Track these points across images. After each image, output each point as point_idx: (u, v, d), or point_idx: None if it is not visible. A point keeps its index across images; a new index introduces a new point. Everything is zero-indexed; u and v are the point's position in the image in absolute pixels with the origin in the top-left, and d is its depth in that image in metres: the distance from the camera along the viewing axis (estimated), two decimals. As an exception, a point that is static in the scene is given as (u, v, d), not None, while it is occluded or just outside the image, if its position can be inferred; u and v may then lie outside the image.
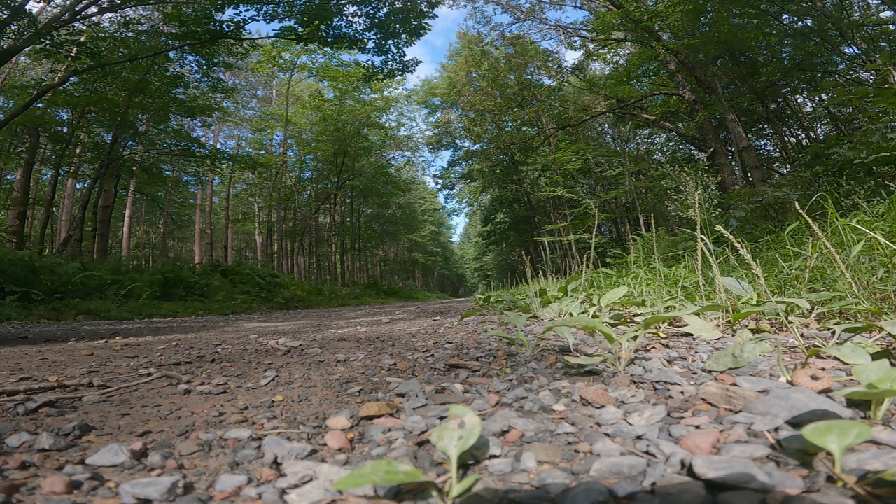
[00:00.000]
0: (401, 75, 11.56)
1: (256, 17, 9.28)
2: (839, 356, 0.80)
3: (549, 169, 20.05)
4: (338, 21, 9.84)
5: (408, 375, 1.04)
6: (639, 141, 20.63)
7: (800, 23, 9.93)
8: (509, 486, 0.46)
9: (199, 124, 16.29)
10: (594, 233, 2.97)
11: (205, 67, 11.37)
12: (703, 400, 0.68)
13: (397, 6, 9.83)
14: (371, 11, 9.74)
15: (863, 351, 0.80)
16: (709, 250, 1.57)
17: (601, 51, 13.16)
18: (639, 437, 0.57)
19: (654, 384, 0.80)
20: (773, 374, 0.82)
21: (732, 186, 8.57)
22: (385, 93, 20.91)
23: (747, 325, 1.36)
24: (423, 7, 9.93)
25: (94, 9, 8.70)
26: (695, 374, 0.87)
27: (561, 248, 19.39)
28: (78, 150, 12.16)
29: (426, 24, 10.16)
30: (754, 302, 1.38)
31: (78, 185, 15.41)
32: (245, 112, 22.08)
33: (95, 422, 0.75)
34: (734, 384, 0.72)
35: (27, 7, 7.78)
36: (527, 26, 14.58)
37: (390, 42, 10.36)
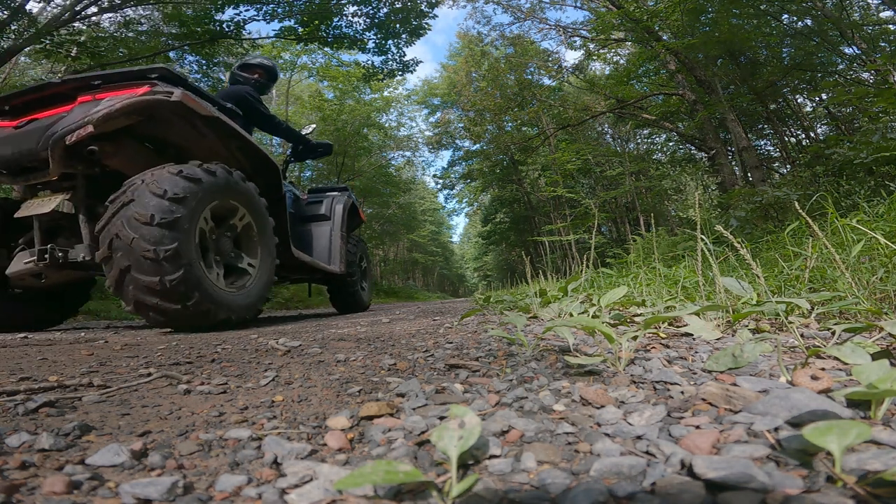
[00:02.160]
0: (401, 75, 11.56)
1: (256, 17, 9.27)
2: (839, 356, 0.80)
3: (549, 169, 20.04)
4: (338, 21, 9.83)
5: (408, 375, 1.04)
6: (639, 141, 20.63)
7: (800, 23, 9.93)
8: (509, 486, 0.46)
9: (199, 124, 16.28)
10: (594, 233, 2.97)
11: (205, 67, 11.37)
12: (703, 400, 0.68)
13: (397, 6, 9.83)
14: (371, 11, 9.73)
15: (863, 351, 0.80)
16: (709, 250, 1.58)
17: (601, 51, 13.17)
18: (639, 437, 0.57)
19: (654, 384, 0.80)
20: (773, 374, 0.82)
21: (732, 186, 8.57)
22: (385, 93, 20.90)
23: (747, 325, 1.36)
24: (423, 7, 9.93)
25: (94, 9, 8.70)
26: (695, 374, 0.87)
27: (561, 248, 19.38)
28: (78, 150, 12.14)
29: (426, 24, 10.15)
30: (754, 302, 1.38)
31: (78, 185, 15.38)
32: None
33: (95, 422, 0.75)
34: (734, 384, 0.72)
35: (27, 7, 7.79)
36: (527, 26, 14.60)
37: (390, 42, 10.35)
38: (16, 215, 2.62)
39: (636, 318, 1.67)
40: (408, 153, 26.20)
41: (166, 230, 2.18)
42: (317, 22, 9.38)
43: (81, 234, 2.61)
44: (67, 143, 2.36)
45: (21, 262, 2.63)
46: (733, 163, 10.31)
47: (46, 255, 2.51)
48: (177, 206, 2.23)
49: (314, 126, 4.78)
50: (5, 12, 7.47)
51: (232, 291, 2.62)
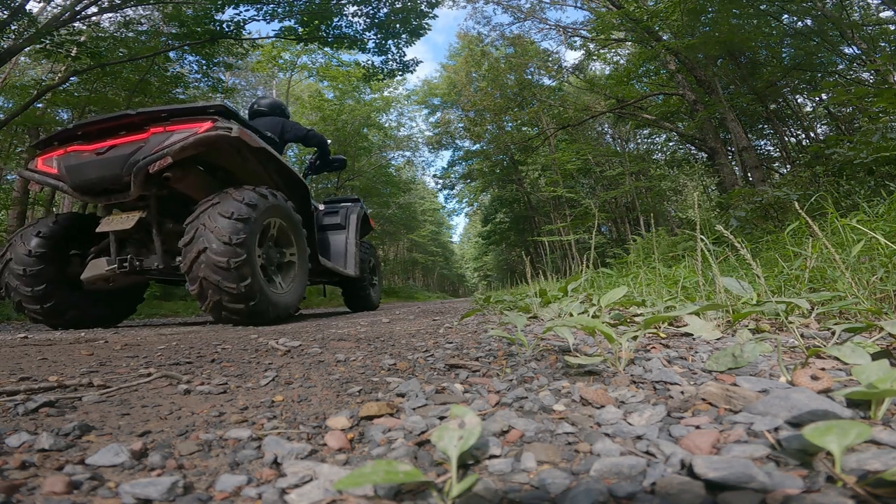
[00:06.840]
0: (401, 75, 11.54)
1: (256, 17, 9.27)
2: (839, 356, 0.80)
3: (549, 169, 20.05)
4: (338, 21, 9.83)
5: (408, 375, 1.04)
6: (639, 141, 20.63)
7: (800, 23, 9.93)
8: (509, 486, 0.46)
9: (199, 124, 16.26)
10: (594, 233, 2.97)
11: (205, 67, 11.36)
12: (703, 400, 0.68)
13: (397, 6, 9.82)
14: (371, 11, 9.73)
15: (863, 351, 0.80)
16: (709, 250, 1.58)
17: (601, 51, 13.18)
18: (639, 437, 0.57)
19: (654, 384, 0.80)
20: (773, 374, 0.82)
21: (732, 186, 8.57)
22: (385, 93, 20.89)
23: (747, 325, 1.36)
24: (423, 7, 9.92)
25: (94, 9, 8.70)
26: (695, 374, 0.87)
27: (561, 248, 19.38)
28: (78, 150, 12.14)
29: (426, 24, 10.15)
30: (754, 302, 1.38)
31: (78, 185, 15.38)
32: (245, 112, 22.05)
33: (95, 422, 0.75)
34: (734, 384, 0.72)
35: (27, 7, 7.78)
36: (527, 26, 14.60)
37: (390, 42, 10.35)
38: (98, 230, 2.93)
39: (636, 318, 1.67)
40: (408, 153, 26.21)
41: (237, 247, 2.59)
42: (317, 22, 9.37)
43: (153, 246, 3.03)
44: (150, 171, 2.71)
45: (96, 269, 2.92)
46: (733, 163, 10.30)
47: (126, 264, 2.91)
48: (242, 224, 2.64)
49: (329, 141, 5.31)
50: (5, 12, 7.46)
51: (277, 292, 3.05)
